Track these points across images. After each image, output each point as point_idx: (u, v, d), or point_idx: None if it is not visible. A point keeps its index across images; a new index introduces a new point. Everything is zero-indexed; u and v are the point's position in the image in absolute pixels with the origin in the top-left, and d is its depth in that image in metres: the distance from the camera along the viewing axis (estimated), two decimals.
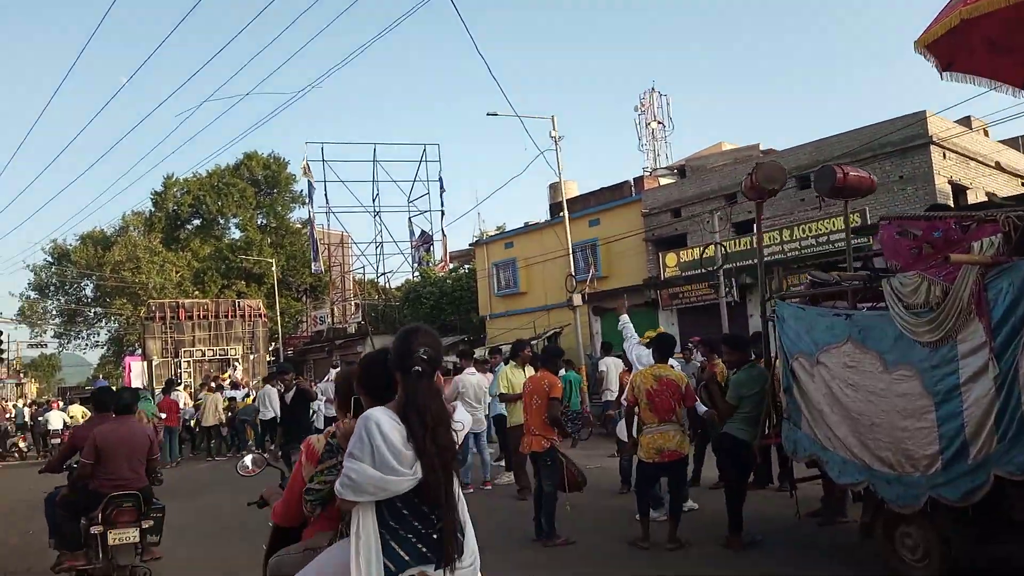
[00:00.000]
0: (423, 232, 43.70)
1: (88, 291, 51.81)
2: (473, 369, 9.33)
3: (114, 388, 28.12)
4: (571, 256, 19.96)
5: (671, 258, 21.50)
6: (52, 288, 51.99)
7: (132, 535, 5.23)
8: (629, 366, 9.12)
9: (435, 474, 2.41)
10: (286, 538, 3.00)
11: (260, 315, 32.70)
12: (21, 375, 57.86)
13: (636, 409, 5.89)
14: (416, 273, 42.35)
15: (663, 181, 27.63)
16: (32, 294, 51.32)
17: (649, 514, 5.76)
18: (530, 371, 7.88)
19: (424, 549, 2.41)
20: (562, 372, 9.54)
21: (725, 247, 17.11)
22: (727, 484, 5.67)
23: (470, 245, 41.48)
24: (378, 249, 42.80)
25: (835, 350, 4.39)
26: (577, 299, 18.88)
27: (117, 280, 45.28)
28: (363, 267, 45.24)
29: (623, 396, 6.62)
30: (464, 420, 2.72)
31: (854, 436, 4.28)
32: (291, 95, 70.06)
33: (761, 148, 27.40)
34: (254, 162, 49.15)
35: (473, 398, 8.82)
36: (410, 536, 2.41)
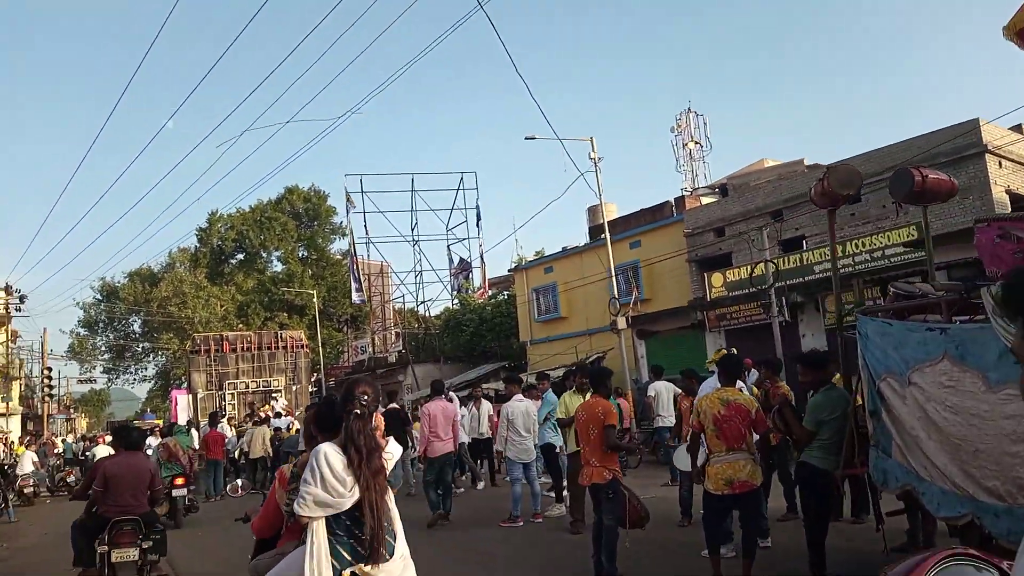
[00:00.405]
0: (461, 260, 43.68)
1: (136, 327, 52.89)
2: (521, 396, 8.97)
3: (160, 422, 28.45)
4: (613, 278, 19.52)
5: (717, 278, 20.93)
6: (101, 325, 53.13)
7: (132, 554, 6.07)
8: (686, 391, 8.69)
9: (369, 493, 3.18)
10: (266, 546, 3.87)
11: (302, 346, 32.88)
12: (71, 410, 59.09)
13: (702, 437, 5.48)
14: (455, 301, 42.28)
15: (705, 200, 27.15)
16: (82, 331, 52.50)
17: (719, 551, 5.32)
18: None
19: (361, 550, 3.17)
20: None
21: (776, 264, 16.53)
22: (808, 518, 5.19)
23: (509, 271, 41.28)
24: (417, 278, 42.85)
25: (929, 369, 3.95)
26: (621, 322, 18.45)
27: (164, 315, 46.13)
28: (403, 296, 45.28)
29: (690, 421, 6.20)
30: (394, 451, 3.45)
31: (955, 464, 3.83)
32: (331, 121, 71.16)
33: (806, 164, 26.78)
34: (295, 195, 49.90)
35: (522, 426, 8.48)
36: (351, 541, 3.18)
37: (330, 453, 3.15)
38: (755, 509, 5.42)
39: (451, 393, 12.92)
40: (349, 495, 3.13)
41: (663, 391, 10.79)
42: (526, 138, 19.12)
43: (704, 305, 20.08)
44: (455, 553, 7.47)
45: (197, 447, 14.59)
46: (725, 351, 7.11)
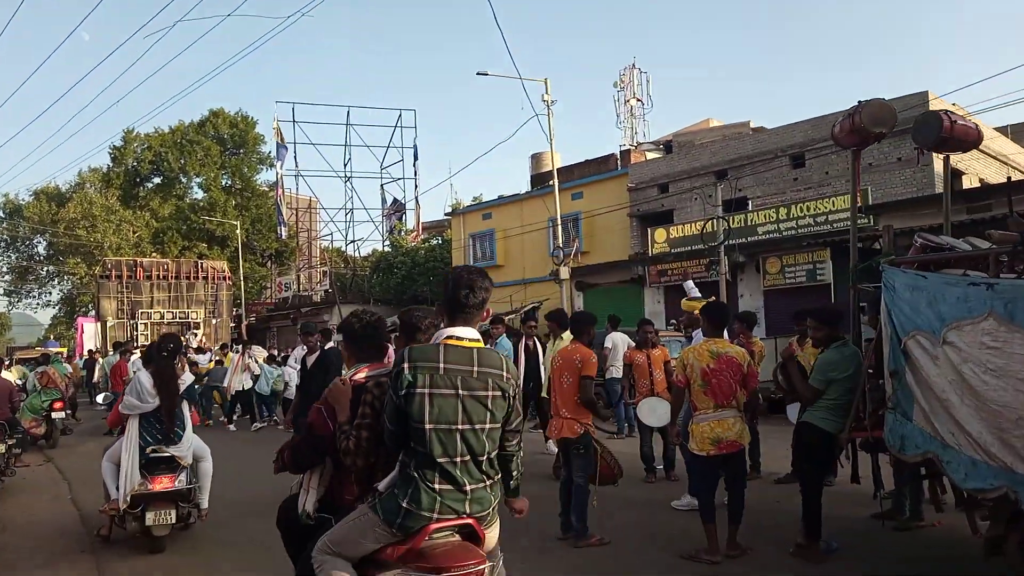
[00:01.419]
0: (395, 200, 42.34)
1: (40, 248, 49.51)
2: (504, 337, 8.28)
3: (64, 350, 26.76)
4: (559, 226, 19.03)
5: (660, 233, 20.75)
6: (2, 244, 49.48)
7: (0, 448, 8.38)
8: (637, 343, 8.30)
9: (166, 401, 5.55)
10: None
11: (225, 278, 31.27)
12: None
13: (686, 392, 5.02)
14: (387, 242, 41.10)
15: (650, 156, 26.83)
16: None
17: (714, 520, 4.81)
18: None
19: (160, 437, 5.58)
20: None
21: (728, 221, 16.35)
22: (803, 482, 4.84)
23: (446, 215, 40.29)
24: (348, 216, 41.36)
25: (970, 327, 3.56)
26: (564, 272, 18.04)
27: (71, 238, 43.22)
28: (331, 234, 43.74)
29: (674, 376, 5.71)
30: (186, 378, 7.33)
31: (992, 433, 3.48)
32: (277, 20, 66.45)
33: (752, 125, 26.73)
34: (220, 119, 47.09)
35: None
36: (154, 431, 5.56)
37: (143, 376, 5.66)
38: (742, 470, 5.05)
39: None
40: (153, 403, 5.55)
41: (619, 343, 10.41)
42: (478, 73, 18.26)
43: (646, 260, 19.88)
44: None
45: (70, 374, 15.66)
46: (709, 300, 6.66)
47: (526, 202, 28.89)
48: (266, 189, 46.82)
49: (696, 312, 6.88)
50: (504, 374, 2.68)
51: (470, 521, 2.63)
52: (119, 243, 41.05)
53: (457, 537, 2.63)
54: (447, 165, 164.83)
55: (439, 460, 2.55)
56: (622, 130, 41.66)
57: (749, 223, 19.03)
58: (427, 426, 2.54)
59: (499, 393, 2.65)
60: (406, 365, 2.58)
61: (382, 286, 36.98)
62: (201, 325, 29.09)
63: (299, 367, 8.62)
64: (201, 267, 31.46)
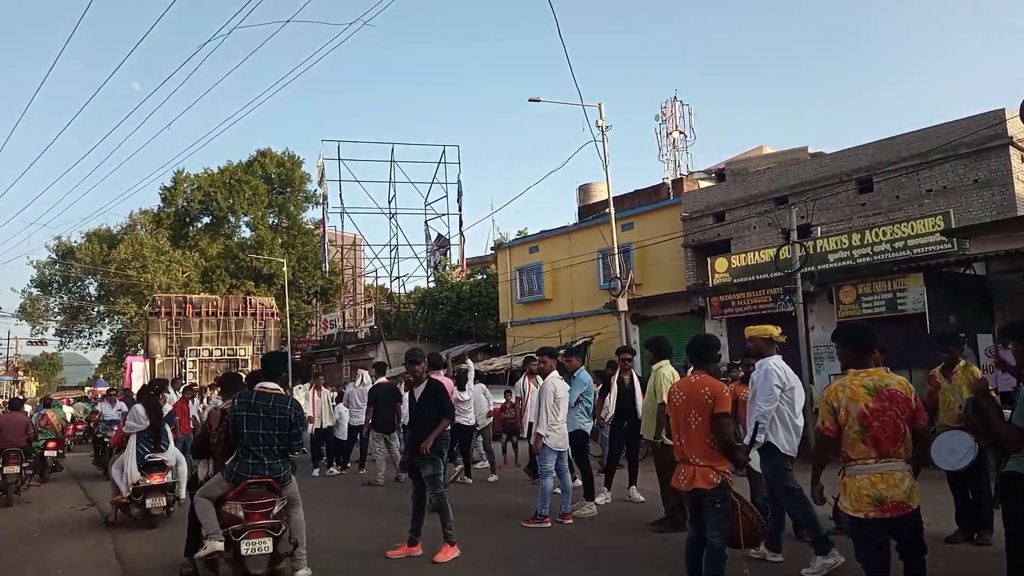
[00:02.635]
0: (439, 236, 42.19)
1: (92, 289, 50.43)
2: (557, 372, 7.48)
3: (114, 388, 26.95)
4: (616, 256, 18.29)
5: (720, 263, 19.83)
6: (55, 285, 50.53)
7: (15, 470, 10.44)
8: (740, 378, 7.40)
9: (154, 422, 8.55)
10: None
11: (272, 314, 31.10)
12: (20, 372, 56.24)
13: (837, 440, 4.00)
14: (432, 278, 40.77)
15: (703, 185, 26.07)
16: (35, 290, 49.87)
17: None
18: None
19: (152, 447, 8.48)
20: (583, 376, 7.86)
21: (806, 247, 15.42)
22: (1014, 546, 3.90)
23: (491, 250, 39.89)
24: (392, 252, 41.20)
25: None
26: (623, 303, 17.22)
27: (122, 278, 43.88)
28: (375, 270, 43.52)
29: (818, 423, 4.48)
30: (166, 407, 10.77)
31: None
32: (339, 27, 67.02)
33: (810, 151, 25.83)
34: (267, 159, 47.80)
35: (562, 408, 7.12)
36: (148, 443, 8.47)
37: (139, 408, 8.58)
38: (918, 538, 3.94)
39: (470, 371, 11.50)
40: (145, 423, 8.37)
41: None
42: (530, 100, 17.74)
43: (707, 291, 18.95)
44: (483, 562, 6.08)
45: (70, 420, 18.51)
46: (846, 322, 5.77)
47: (574, 234, 28.25)
48: (311, 227, 47.11)
49: (771, 335, 5.94)
50: (286, 407, 5.36)
51: (270, 480, 5.26)
52: (169, 283, 41.51)
53: (264, 488, 5.23)
54: (488, 201, 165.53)
55: (251, 448, 5.22)
56: (664, 163, 41.04)
57: (819, 250, 18.03)
58: (244, 431, 5.22)
59: (282, 416, 5.28)
60: (236, 403, 5.37)
61: (427, 322, 36.53)
62: (249, 362, 28.80)
63: (407, 400, 7.81)
64: (249, 303, 31.34)
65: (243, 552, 4.95)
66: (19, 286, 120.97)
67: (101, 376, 50.73)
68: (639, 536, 6.60)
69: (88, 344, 51.72)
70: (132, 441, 8.30)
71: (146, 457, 8.16)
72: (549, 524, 6.90)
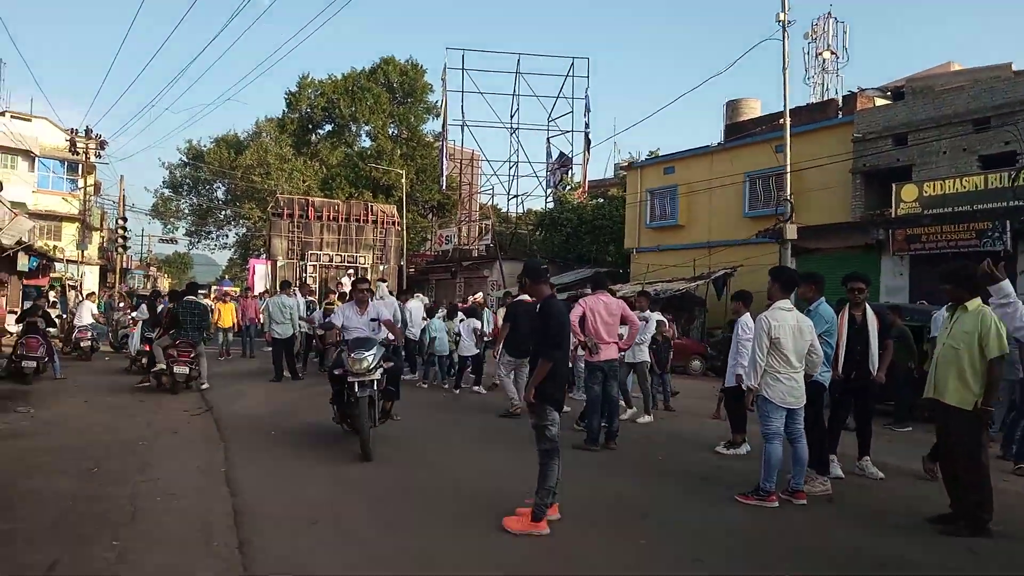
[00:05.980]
0: (561, 154, 39.97)
1: (220, 192, 51.70)
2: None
3: (236, 289, 27.09)
4: (788, 174, 15.83)
5: (909, 191, 16.96)
6: (186, 187, 52.14)
7: (184, 371, 11.58)
8: None
9: (151, 316, 13.55)
10: None
11: (394, 223, 30.23)
12: (151, 268, 59.21)
13: None
14: (551, 198, 38.91)
15: (879, 103, 22.63)
16: (167, 191, 51.65)
17: None
18: None
19: (186, 335, 11.54)
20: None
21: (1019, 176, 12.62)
22: None
23: (621, 169, 37.42)
24: (512, 170, 39.47)
25: None
26: (792, 231, 14.86)
27: (247, 184, 44.49)
28: (492, 187, 42.02)
29: None
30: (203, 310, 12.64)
31: None
32: None
33: (1013, 68, 21.80)
34: (391, 67, 46.61)
35: (795, 351, 5.40)
36: (183, 332, 11.45)
37: (143, 307, 14.74)
38: None
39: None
40: (146, 316, 13.82)
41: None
42: None
43: (891, 222, 16.23)
44: (676, 547, 4.47)
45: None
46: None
47: (717, 154, 25.60)
48: (431, 139, 45.96)
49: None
50: (201, 308, 11.98)
51: (190, 342, 11.19)
52: (291, 191, 41.74)
53: (186, 345, 11.12)
54: (612, 121, 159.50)
55: (185, 326, 11.33)
56: (809, 86, 36.86)
57: None
58: (180, 318, 11.42)
59: (198, 312, 11.75)
60: (177, 305, 11.88)
61: (546, 243, 34.95)
62: (369, 271, 28.18)
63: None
64: (371, 210, 30.54)
65: (174, 371, 10.82)
66: (152, 186, 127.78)
67: (227, 276, 52.53)
68: (915, 535, 4.74)
69: (216, 246, 53.55)
70: (138, 328, 13.87)
71: (178, 342, 11.01)
72: (775, 502, 5.17)
